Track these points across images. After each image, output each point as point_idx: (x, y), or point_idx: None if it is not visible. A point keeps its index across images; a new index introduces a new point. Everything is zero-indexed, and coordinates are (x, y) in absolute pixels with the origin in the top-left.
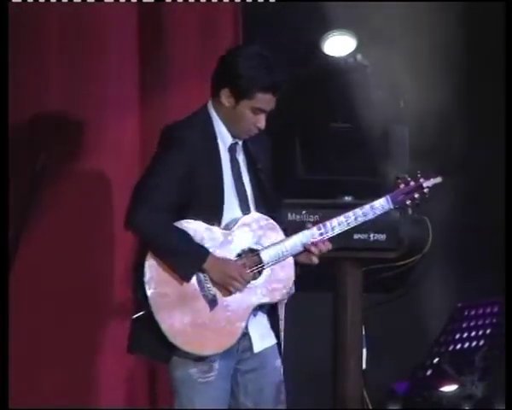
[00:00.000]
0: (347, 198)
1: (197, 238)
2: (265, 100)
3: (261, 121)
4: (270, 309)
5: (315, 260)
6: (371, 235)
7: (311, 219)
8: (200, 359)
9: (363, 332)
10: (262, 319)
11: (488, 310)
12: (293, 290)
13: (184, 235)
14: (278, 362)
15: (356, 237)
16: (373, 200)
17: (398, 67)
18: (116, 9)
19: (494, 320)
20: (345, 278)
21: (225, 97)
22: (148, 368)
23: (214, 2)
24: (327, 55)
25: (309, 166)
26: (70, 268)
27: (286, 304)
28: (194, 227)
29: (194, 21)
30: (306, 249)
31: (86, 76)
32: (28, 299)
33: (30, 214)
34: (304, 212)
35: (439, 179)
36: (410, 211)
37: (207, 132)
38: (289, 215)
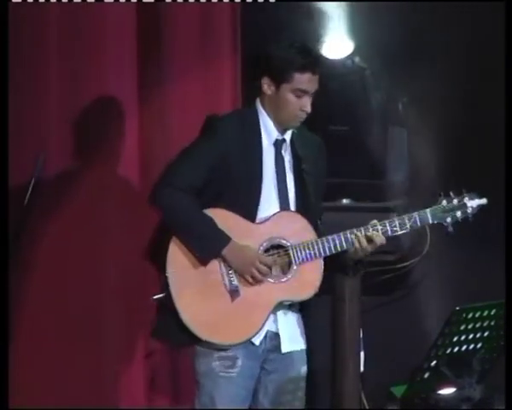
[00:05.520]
0: (346, 201)
1: (223, 226)
2: (305, 80)
3: (306, 104)
4: (303, 311)
5: (369, 249)
6: None
7: None
8: (220, 349)
9: (361, 335)
10: (293, 319)
11: (486, 313)
12: None
13: (208, 219)
14: (304, 369)
15: None
16: (371, 202)
17: (396, 70)
18: (115, 9)
19: (492, 323)
20: (343, 280)
21: (267, 86)
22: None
23: (214, 2)
24: (325, 58)
25: None
26: (75, 265)
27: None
28: (223, 216)
29: (193, 21)
30: (355, 248)
31: (86, 76)
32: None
33: (29, 215)
34: None
35: (484, 201)
36: (450, 229)
37: (250, 125)
38: None
